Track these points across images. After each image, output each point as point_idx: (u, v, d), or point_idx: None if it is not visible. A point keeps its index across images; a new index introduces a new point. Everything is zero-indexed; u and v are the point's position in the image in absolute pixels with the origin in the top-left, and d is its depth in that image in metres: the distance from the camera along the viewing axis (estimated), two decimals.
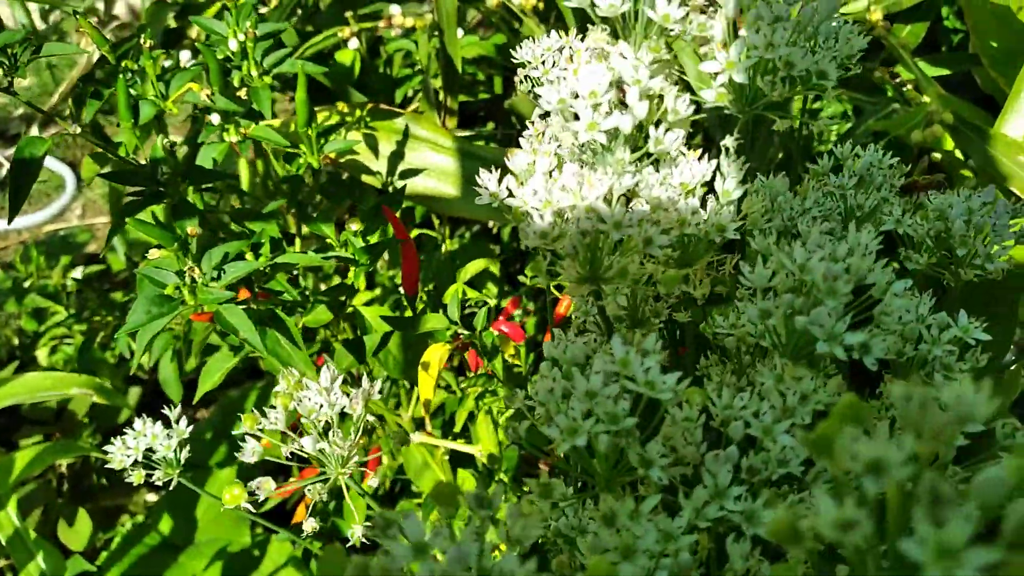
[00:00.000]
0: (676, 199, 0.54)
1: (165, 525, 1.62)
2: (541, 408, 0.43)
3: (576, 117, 0.51)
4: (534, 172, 0.55)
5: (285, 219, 1.15)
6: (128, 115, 0.92)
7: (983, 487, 0.25)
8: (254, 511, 0.65)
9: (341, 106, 1.36)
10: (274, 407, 0.54)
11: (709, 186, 0.60)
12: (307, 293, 1.03)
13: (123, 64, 0.94)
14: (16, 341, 1.92)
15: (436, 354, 0.85)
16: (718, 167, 0.55)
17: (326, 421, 0.53)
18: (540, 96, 0.51)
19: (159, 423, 0.77)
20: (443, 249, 1.37)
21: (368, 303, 1.28)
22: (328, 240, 1.01)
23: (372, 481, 0.64)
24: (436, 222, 1.49)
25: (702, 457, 0.44)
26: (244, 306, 0.89)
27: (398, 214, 1.38)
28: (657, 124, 0.53)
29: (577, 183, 0.49)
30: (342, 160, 1.29)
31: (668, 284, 0.49)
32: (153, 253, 0.81)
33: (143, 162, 0.92)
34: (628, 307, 0.63)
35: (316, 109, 1.35)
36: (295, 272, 1.16)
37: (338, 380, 0.54)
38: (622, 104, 0.57)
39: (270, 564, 1.55)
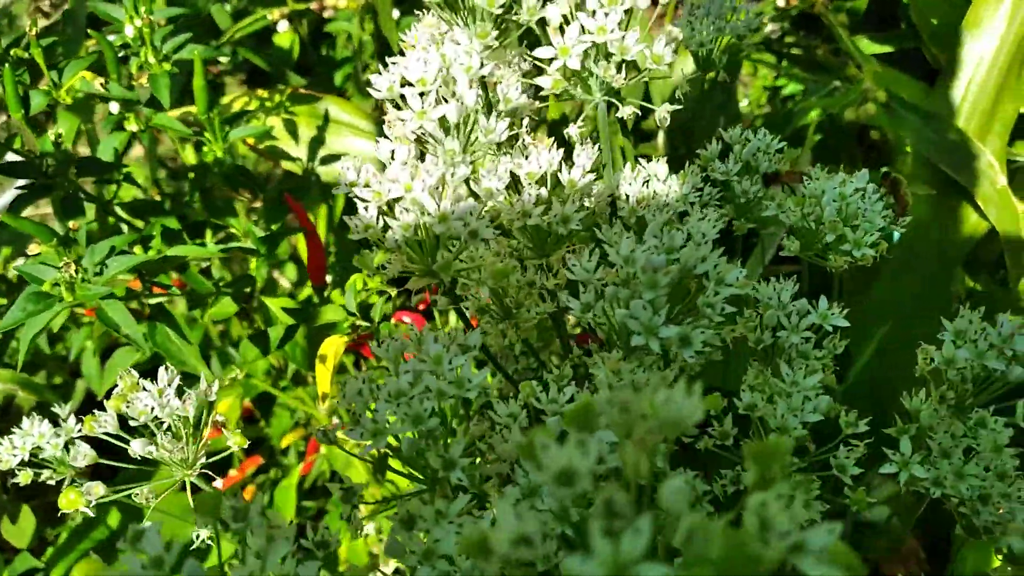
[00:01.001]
0: (529, 190, 0.53)
1: (113, 519, 1.60)
2: (348, 408, 0.42)
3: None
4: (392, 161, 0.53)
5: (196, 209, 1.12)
6: (17, 106, 0.90)
7: (667, 498, 0.24)
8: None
9: (261, 91, 1.34)
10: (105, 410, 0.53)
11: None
12: (219, 285, 1.02)
13: (12, 53, 0.91)
14: None
15: (332, 347, 0.84)
16: (568, 157, 0.54)
17: (170, 423, 0.52)
18: (373, 84, 0.50)
19: (47, 422, 0.76)
20: None
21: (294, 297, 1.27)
22: (232, 230, 1.00)
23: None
24: None
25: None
26: (136, 300, 0.88)
27: (325, 203, 1.36)
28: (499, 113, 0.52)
29: (409, 174, 0.48)
30: (262, 146, 1.27)
31: (496, 278, 0.48)
32: (33, 248, 0.79)
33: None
34: (495, 300, 0.62)
35: (236, 95, 1.33)
36: (207, 264, 1.14)
37: (175, 381, 0.53)
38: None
39: (215, 558, 1.53)
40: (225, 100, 1.35)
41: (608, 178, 0.59)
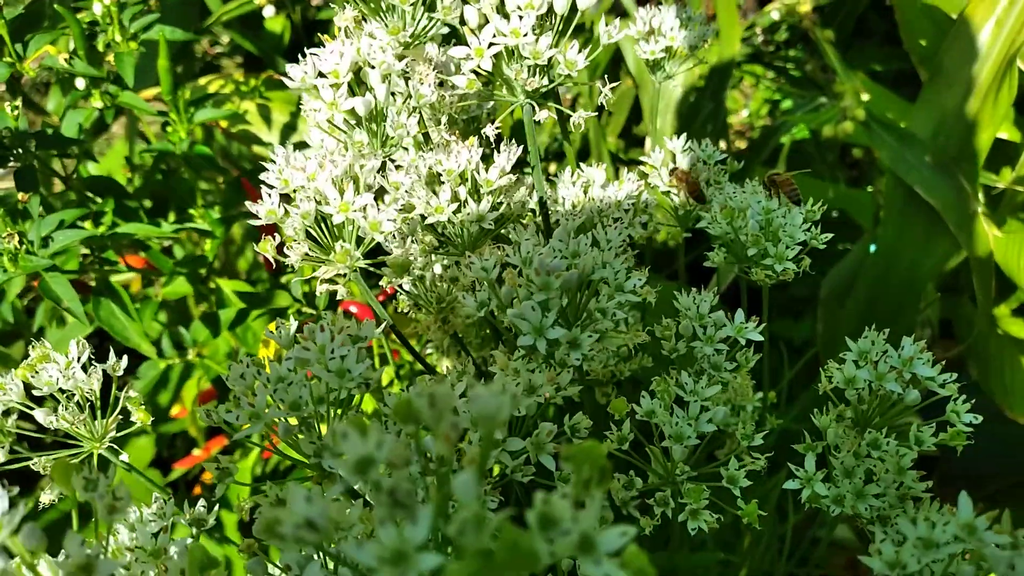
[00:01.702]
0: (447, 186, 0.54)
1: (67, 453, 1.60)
2: (231, 394, 0.42)
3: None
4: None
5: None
6: None
7: (457, 490, 0.25)
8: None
9: (238, 75, 1.34)
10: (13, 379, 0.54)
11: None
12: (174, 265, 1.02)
13: None
14: None
15: None
16: (485, 156, 0.54)
17: (80, 396, 0.53)
18: (288, 74, 0.50)
19: None
20: None
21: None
22: (191, 211, 1.00)
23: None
24: None
25: None
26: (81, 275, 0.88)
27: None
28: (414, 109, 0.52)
29: (316, 164, 0.49)
30: (234, 130, 1.27)
31: (396, 271, 0.49)
32: None
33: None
34: (416, 294, 0.62)
35: (212, 78, 1.33)
36: (169, 244, 1.15)
37: (84, 354, 0.53)
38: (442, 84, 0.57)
39: (181, 532, 1.53)
40: (202, 81, 1.36)
41: (538, 182, 0.59)
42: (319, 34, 0.52)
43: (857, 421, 0.55)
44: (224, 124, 1.26)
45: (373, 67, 0.49)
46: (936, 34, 1.64)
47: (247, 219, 0.97)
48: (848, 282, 1.48)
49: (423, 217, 0.54)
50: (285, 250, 0.48)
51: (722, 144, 1.75)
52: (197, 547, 0.32)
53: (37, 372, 0.52)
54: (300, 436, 0.41)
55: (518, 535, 0.24)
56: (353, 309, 0.91)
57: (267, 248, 0.48)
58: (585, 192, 0.69)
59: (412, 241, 0.56)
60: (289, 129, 1.28)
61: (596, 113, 0.56)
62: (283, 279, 1.05)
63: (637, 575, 0.26)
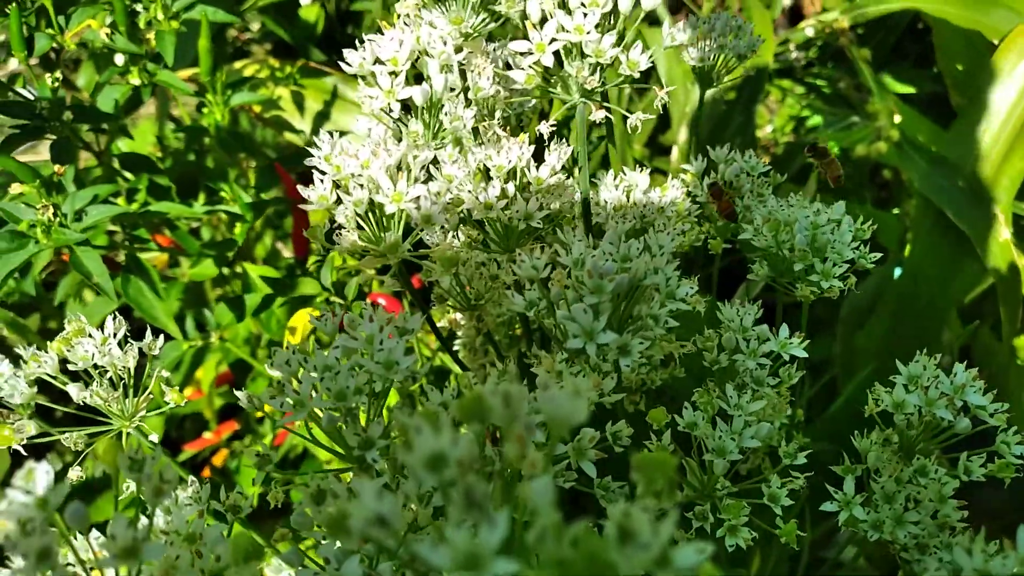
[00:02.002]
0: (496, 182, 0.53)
1: (87, 468, 1.60)
2: (277, 378, 0.42)
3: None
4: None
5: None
6: (21, 47, 0.90)
7: (532, 495, 0.24)
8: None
9: (273, 61, 1.34)
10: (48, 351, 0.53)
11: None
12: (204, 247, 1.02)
13: None
14: None
15: (302, 319, 0.84)
16: (536, 154, 0.53)
17: (113, 374, 0.52)
18: (345, 58, 0.50)
19: (6, 362, 0.76)
20: None
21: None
22: (222, 193, 1.00)
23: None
24: None
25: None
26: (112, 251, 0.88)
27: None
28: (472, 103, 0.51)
29: (370, 152, 0.48)
30: (267, 115, 1.27)
31: (444, 265, 0.48)
32: (15, 188, 0.79)
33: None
34: (458, 290, 0.61)
35: (248, 62, 1.33)
36: (197, 225, 1.14)
37: (121, 331, 0.53)
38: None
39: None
40: (237, 65, 1.36)
41: (583, 182, 0.59)
42: (352, 26, 0.51)
43: (902, 446, 0.54)
44: (257, 109, 1.26)
45: (432, 57, 0.49)
46: (973, 58, 1.63)
47: (279, 205, 0.96)
48: (869, 304, 1.47)
49: (469, 212, 0.53)
50: (334, 237, 0.47)
51: None
52: (243, 535, 0.32)
53: (72, 346, 0.51)
54: (345, 427, 0.40)
55: (598, 545, 0.23)
56: (381, 301, 0.90)
57: (317, 235, 0.47)
58: (628, 196, 0.68)
59: (455, 236, 0.55)
60: (322, 117, 1.27)
61: (654, 116, 0.55)
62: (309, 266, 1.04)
63: None
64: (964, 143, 1.48)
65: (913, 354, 1.43)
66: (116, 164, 0.96)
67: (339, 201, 0.46)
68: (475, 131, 0.58)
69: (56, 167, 0.81)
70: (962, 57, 1.67)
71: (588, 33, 0.48)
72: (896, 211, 1.87)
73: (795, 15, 2.10)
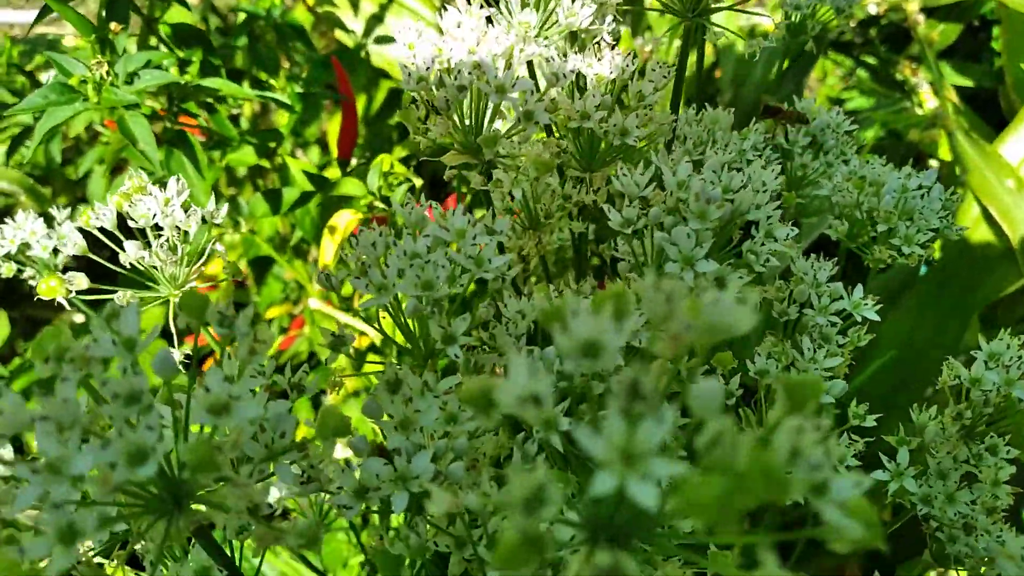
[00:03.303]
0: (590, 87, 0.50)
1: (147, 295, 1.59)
2: (358, 260, 0.39)
3: None
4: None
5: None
6: None
7: (698, 398, 0.22)
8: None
9: None
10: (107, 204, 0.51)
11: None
12: (244, 134, 0.99)
13: None
14: None
15: (343, 219, 0.81)
16: (640, 69, 0.51)
17: (167, 239, 0.50)
18: None
19: (40, 220, 0.73)
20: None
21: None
22: (271, 81, 0.96)
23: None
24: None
25: (516, 349, 0.41)
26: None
27: (366, 94, 1.32)
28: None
29: (476, 39, 0.45)
30: (320, 10, 1.23)
31: (538, 168, 0.45)
32: (70, 41, 0.76)
33: None
34: (524, 205, 0.59)
35: None
36: (236, 112, 1.11)
37: (183, 194, 0.50)
38: None
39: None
40: None
41: (679, 107, 0.56)
42: None
43: (971, 424, 0.52)
44: (311, 2, 1.22)
45: None
46: None
47: (330, 98, 0.93)
48: (897, 289, 1.45)
49: (554, 124, 0.50)
50: (428, 123, 0.45)
51: None
52: (331, 410, 0.30)
53: (133, 203, 0.49)
54: (430, 318, 0.38)
55: (772, 460, 0.21)
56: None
57: (410, 117, 0.44)
58: (708, 134, 0.66)
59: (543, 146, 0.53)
60: (376, 20, 1.23)
61: (772, 45, 0.52)
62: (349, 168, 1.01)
63: (865, 524, 0.23)
64: (1015, 145, 1.45)
65: (935, 347, 1.41)
66: (166, 34, 0.92)
67: (441, 84, 0.43)
68: (573, 35, 0.55)
69: (112, 25, 0.77)
70: None
71: None
72: None
73: None
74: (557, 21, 0.48)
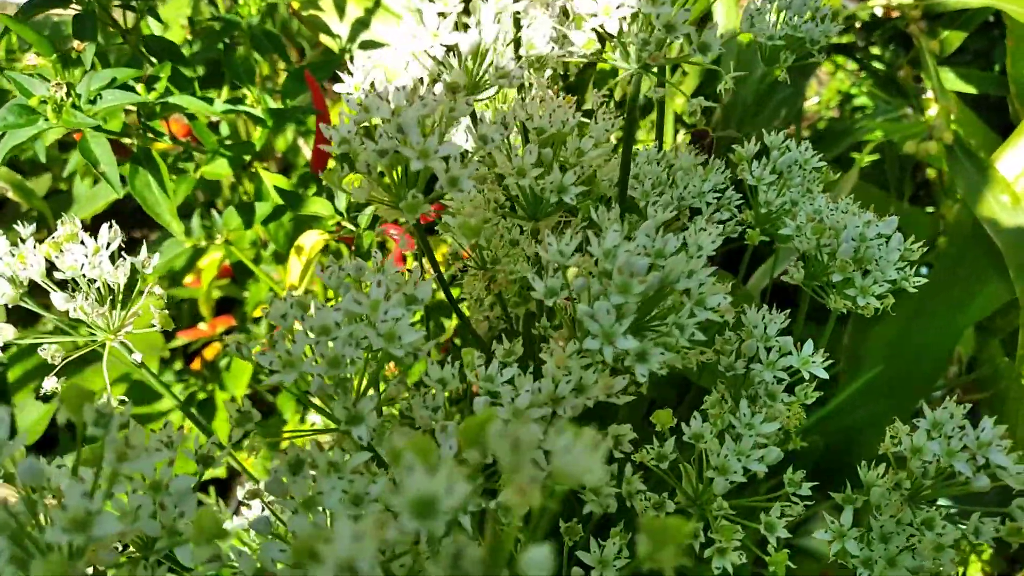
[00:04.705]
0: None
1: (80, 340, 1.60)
2: (269, 330, 0.39)
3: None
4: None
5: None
6: None
7: (527, 568, 0.21)
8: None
9: None
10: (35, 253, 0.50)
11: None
12: (223, 143, 0.98)
13: None
14: None
15: (310, 239, 0.80)
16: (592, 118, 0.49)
17: (102, 284, 0.49)
18: None
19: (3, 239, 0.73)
20: None
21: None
22: (245, 93, 0.95)
23: None
24: None
25: (434, 424, 0.40)
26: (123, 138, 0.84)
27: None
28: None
29: (404, 98, 0.44)
30: (305, 13, 1.21)
31: (467, 232, 0.44)
32: (31, 58, 0.75)
33: None
34: (473, 249, 0.58)
35: None
36: (216, 120, 1.10)
37: (116, 242, 0.50)
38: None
39: (168, 403, 1.53)
40: None
41: (626, 157, 0.55)
42: None
43: (911, 490, 0.51)
44: (296, 5, 1.20)
45: (486, 1, 0.44)
46: None
47: (303, 114, 0.92)
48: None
49: (500, 176, 0.49)
50: (353, 187, 0.44)
51: (791, 130, 1.68)
52: (206, 512, 0.29)
53: (62, 252, 0.49)
54: (334, 399, 0.38)
55: None
56: (393, 232, 0.87)
57: (334, 180, 0.43)
58: (667, 174, 0.65)
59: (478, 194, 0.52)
60: (361, 25, 1.22)
61: (715, 106, 0.51)
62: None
63: None
64: (1015, 157, 1.43)
65: (924, 364, 1.39)
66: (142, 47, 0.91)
67: (362, 148, 0.42)
68: (519, 88, 0.53)
69: (75, 43, 0.77)
70: None
71: (663, 4, 0.43)
72: (930, 209, 1.81)
73: None
74: (487, 79, 0.47)
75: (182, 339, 1.51)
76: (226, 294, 1.57)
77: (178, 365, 1.55)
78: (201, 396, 1.48)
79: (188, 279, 1.49)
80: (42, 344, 0.50)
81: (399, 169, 0.44)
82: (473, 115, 0.50)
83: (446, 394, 0.42)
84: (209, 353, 1.55)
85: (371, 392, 0.40)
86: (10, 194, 1.39)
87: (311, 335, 0.38)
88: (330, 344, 0.37)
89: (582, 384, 0.44)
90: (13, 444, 0.28)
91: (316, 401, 0.41)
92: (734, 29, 1.47)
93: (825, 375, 0.54)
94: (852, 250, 0.59)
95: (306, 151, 1.41)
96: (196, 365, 1.53)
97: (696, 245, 0.45)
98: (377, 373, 0.40)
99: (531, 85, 0.50)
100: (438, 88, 0.45)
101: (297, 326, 0.39)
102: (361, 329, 0.38)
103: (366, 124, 0.43)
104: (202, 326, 1.55)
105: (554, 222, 0.55)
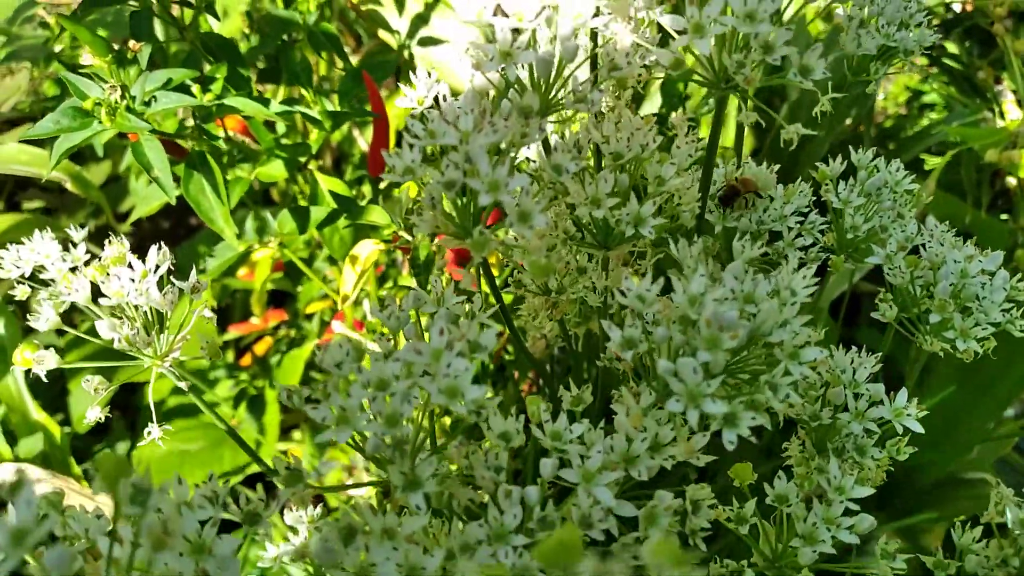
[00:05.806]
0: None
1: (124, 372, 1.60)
2: (322, 380, 0.36)
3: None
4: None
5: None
6: None
7: None
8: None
9: None
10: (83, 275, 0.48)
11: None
12: (278, 142, 0.96)
13: None
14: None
15: (365, 249, 0.77)
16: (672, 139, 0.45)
17: (148, 309, 0.47)
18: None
19: (55, 242, 0.71)
20: None
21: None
22: (303, 93, 0.93)
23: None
24: None
25: (496, 487, 0.37)
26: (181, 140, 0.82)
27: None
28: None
29: (472, 123, 0.40)
30: (364, 8, 1.19)
31: (537, 274, 0.41)
32: (86, 59, 0.73)
33: None
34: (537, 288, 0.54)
35: None
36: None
37: (164, 266, 0.47)
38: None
39: (212, 396, 1.52)
40: None
41: (705, 184, 0.50)
42: None
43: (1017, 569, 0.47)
44: (355, 0, 1.17)
45: (563, 18, 0.40)
46: None
47: (361, 116, 0.89)
48: None
49: (570, 205, 0.45)
50: (415, 217, 0.40)
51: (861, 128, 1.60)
52: None
53: (108, 275, 0.46)
54: (390, 462, 0.34)
55: None
56: (448, 255, 0.83)
57: (396, 211, 0.40)
58: (747, 201, 0.60)
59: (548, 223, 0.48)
60: (421, 20, 1.18)
61: (813, 132, 0.46)
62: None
63: None
64: None
65: (999, 387, 1.31)
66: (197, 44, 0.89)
67: (427, 177, 0.39)
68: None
69: (131, 43, 0.74)
70: None
71: (762, 23, 0.39)
72: (1004, 217, 1.72)
73: None
74: (566, 93, 0.43)
75: (234, 332, 1.50)
76: (278, 287, 1.56)
77: (229, 357, 1.55)
78: (251, 392, 1.47)
79: (242, 272, 1.48)
80: (89, 370, 0.48)
81: (463, 204, 0.40)
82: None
83: (508, 452, 0.38)
84: (260, 348, 1.54)
85: (427, 445, 0.36)
86: (68, 185, 1.39)
87: (368, 390, 0.35)
88: (387, 398, 0.34)
89: (658, 442, 0.40)
90: None
91: (370, 464, 0.37)
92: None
93: (921, 429, 0.49)
94: (951, 289, 0.54)
95: (361, 143, 1.39)
96: (246, 361, 1.52)
97: (789, 289, 0.41)
98: (433, 427, 0.37)
99: (609, 107, 0.46)
100: (505, 104, 0.41)
101: (352, 376, 0.36)
102: (421, 382, 0.34)
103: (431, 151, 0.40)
104: (254, 320, 1.54)
105: (626, 251, 0.51)
